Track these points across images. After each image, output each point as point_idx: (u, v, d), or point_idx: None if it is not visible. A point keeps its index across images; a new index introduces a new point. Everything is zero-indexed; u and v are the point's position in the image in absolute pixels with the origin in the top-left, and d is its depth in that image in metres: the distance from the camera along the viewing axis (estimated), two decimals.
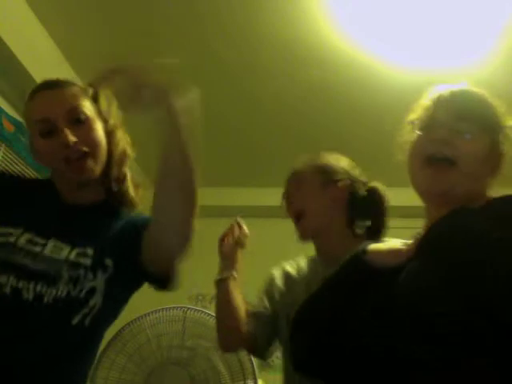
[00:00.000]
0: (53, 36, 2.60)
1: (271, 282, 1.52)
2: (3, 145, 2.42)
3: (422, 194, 1.04)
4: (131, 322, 1.68)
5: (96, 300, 1.09)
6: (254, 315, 1.44)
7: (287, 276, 1.51)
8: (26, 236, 1.10)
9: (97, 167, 1.17)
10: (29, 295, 1.04)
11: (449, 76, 2.65)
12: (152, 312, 1.66)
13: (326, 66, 2.73)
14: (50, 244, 1.11)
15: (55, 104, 1.15)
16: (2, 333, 1.03)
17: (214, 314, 1.66)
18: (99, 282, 1.09)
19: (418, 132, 1.04)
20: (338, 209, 1.44)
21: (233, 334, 1.43)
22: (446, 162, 0.97)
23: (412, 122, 1.08)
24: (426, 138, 1.01)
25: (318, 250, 1.48)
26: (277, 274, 1.53)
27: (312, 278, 1.44)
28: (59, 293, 1.06)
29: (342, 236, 1.43)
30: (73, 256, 1.10)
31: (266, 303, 1.47)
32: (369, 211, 1.45)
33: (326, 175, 1.48)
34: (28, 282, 1.05)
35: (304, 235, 1.44)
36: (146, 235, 1.12)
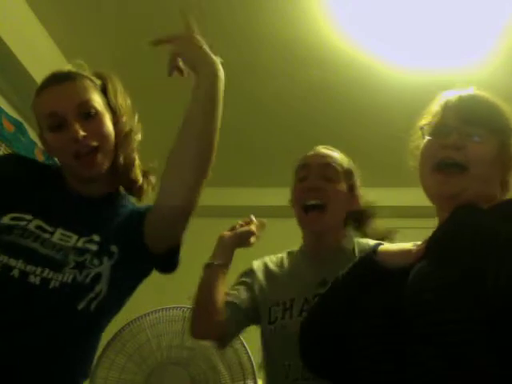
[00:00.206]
0: (53, 36, 2.60)
1: (251, 274, 1.52)
2: (3, 145, 2.42)
3: (433, 196, 1.04)
4: (131, 321, 1.68)
5: (101, 286, 1.10)
6: (227, 305, 1.42)
7: (268, 270, 1.51)
8: (36, 222, 1.12)
9: (106, 161, 1.18)
10: (36, 279, 1.05)
11: (449, 76, 2.67)
12: (152, 312, 1.66)
13: (326, 66, 2.73)
14: (58, 232, 1.12)
15: (65, 98, 1.16)
16: (8, 317, 1.04)
17: None
18: (105, 268, 1.11)
19: (428, 137, 1.05)
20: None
21: (208, 321, 1.40)
22: (456, 168, 0.98)
23: (422, 128, 1.09)
24: (437, 143, 1.02)
25: (312, 244, 1.50)
26: (257, 267, 1.53)
27: (294, 272, 1.47)
28: (65, 278, 1.07)
29: (340, 236, 1.49)
30: (80, 243, 1.12)
31: (243, 295, 1.46)
32: (361, 216, 1.55)
33: (351, 181, 1.52)
34: (35, 266, 1.06)
35: (317, 227, 1.45)
36: (149, 216, 1.16)
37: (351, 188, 1.50)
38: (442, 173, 0.99)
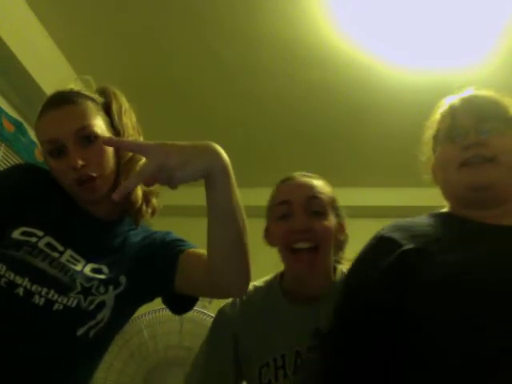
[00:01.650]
0: (53, 36, 2.60)
1: (227, 325, 1.35)
2: (3, 145, 2.42)
3: (459, 191, 1.01)
4: (129, 322, 1.68)
5: (104, 314, 1.08)
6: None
7: (248, 321, 1.33)
8: (47, 239, 1.09)
9: (105, 186, 1.15)
10: (40, 300, 1.04)
11: (449, 76, 2.66)
12: (150, 312, 1.66)
13: (326, 66, 2.73)
14: (67, 253, 1.10)
15: (64, 124, 1.12)
16: (11, 330, 1.03)
17: (212, 315, 1.66)
18: (110, 296, 1.09)
19: (445, 143, 1.03)
20: None
21: None
22: (484, 160, 0.97)
23: (434, 137, 1.08)
24: (457, 146, 1.00)
25: (297, 285, 1.34)
26: (233, 315, 1.36)
27: (281, 321, 1.29)
28: (69, 302, 1.05)
29: (330, 272, 1.36)
30: (88, 269, 1.10)
31: (219, 362, 1.32)
32: (343, 243, 1.41)
33: (337, 210, 1.36)
34: (41, 287, 1.04)
35: (309, 269, 1.28)
36: (180, 265, 1.11)
37: (338, 217, 1.34)
38: (470, 166, 0.97)
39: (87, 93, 1.20)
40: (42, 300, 1.04)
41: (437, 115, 1.09)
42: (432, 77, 2.66)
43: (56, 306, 1.04)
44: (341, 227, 1.36)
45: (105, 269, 1.12)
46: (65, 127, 1.12)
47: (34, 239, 1.08)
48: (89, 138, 1.13)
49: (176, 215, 3.78)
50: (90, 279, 1.09)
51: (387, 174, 3.33)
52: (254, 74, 2.78)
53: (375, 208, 3.47)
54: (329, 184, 1.40)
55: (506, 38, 2.48)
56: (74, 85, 1.21)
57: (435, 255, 0.90)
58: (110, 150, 1.15)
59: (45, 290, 1.04)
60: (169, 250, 1.16)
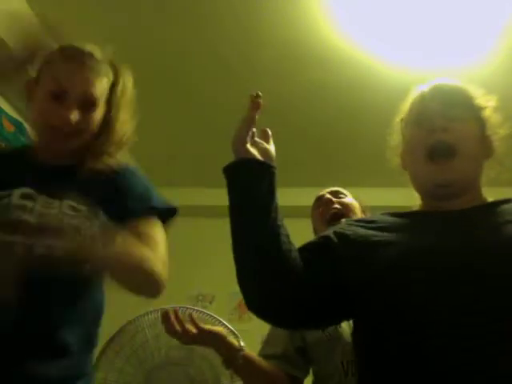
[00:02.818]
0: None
1: None
2: (3, 145, 2.42)
3: (425, 186, 1.07)
4: (130, 321, 1.67)
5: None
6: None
7: None
8: (17, 192, 1.12)
9: (76, 144, 1.21)
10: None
11: (449, 76, 2.66)
12: (151, 312, 1.66)
13: (326, 66, 2.73)
14: (41, 200, 1.12)
15: (79, 78, 1.20)
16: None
17: (213, 314, 1.66)
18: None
19: (412, 127, 1.08)
20: None
21: None
22: (448, 156, 1.01)
23: (402, 120, 1.13)
24: (423, 129, 1.05)
25: None
26: None
27: None
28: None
29: None
30: (65, 208, 1.12)
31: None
32: None
33: None
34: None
35: None
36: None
37: None
38: (435, 162, 1.02)
39: (104, 65, 1.28)
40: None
41: (407, 103, 1.14)
42: (432, 77, 2.66)
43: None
44: None
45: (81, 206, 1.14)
46: (78, 82, 1.19)
47: (6, 200, 1.11)
48: (91, 104, 1.20)
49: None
50: (71, 217, 1.11)
51: (387, 174, 3.33)
52: (254, 74, 2.78)
53: (375, 208, 3.46)
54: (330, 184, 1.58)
55: (506, 38, 2.49)
56: (94, 48, 1.31)
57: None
58: (98, 117, 1.22)
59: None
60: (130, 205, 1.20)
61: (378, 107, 2.93)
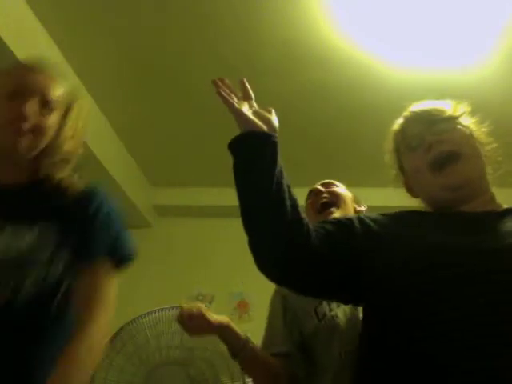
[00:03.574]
0: (53, 36, 2.60)
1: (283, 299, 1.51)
2: None
3: (438, 196, 1.08)
4: (130, 321, 1.67)
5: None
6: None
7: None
8: None
9: (34, 143, 1.17)
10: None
11: (449, 76, 2.67)
12: (151, 312, 1.66)
13: (325, 66, 2.73)
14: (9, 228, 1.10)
15: (39, 81, 1.19)
16: None
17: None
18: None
19: (407, 155, 1.12)
20: None
21: None
22: (452, 161, 1.04)
23: (394, 152, 1.18)
24: (419, 150, 1.08)
25: None
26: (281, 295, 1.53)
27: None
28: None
29: None
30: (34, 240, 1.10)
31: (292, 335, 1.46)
32: None
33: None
34: None
35: None
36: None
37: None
38: (443, 171, 1.04)
39: (63, 82, 1.25)
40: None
41: (392, 134, 1.19)
42: (432, 77, 2.66)
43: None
44: None
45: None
46: (35, 82, 1.18)
47: None
48: (47, 104, 1.18)
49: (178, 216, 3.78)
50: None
51: (387, 174, 3.33)
52: (254, 74, 2.78)
53: (375, 208, 3.46)
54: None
55: (506, 38, 2.49)
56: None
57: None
58: (54, 127, 1.20)
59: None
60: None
61: (378, 107, 2.94)
